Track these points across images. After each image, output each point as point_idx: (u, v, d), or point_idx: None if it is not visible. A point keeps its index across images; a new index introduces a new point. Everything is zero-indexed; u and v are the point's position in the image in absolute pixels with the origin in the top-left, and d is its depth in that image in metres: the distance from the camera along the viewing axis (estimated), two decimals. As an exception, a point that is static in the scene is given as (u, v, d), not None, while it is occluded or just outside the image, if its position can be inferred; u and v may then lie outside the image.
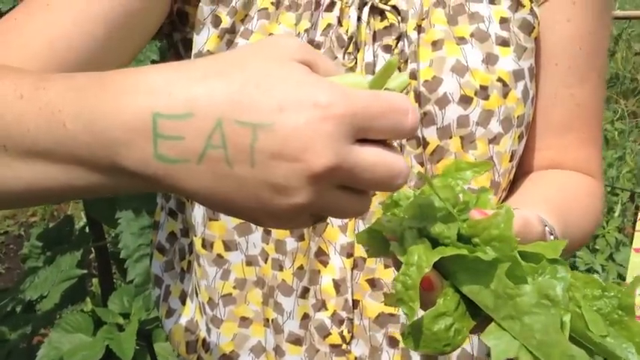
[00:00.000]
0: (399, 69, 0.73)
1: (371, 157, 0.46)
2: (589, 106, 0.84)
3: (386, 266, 0.78)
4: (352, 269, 0.77)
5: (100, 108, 0.46)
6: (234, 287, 0.81)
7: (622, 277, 2.27)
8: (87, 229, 1.87)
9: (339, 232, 0.76)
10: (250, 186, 0.45)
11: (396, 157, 0.47)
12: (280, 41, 0.48)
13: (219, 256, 0.80)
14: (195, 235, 0.81)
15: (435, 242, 0.52)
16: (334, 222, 0.76)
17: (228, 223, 0.78)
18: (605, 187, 2.66)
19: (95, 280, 2.18)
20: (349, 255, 0.77)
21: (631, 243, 2.11)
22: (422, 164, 0.75)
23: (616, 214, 2.57)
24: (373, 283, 0.78)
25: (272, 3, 0.75)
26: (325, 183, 0.45)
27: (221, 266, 0.80)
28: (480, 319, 0.53)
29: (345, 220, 0.76)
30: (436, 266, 0.51)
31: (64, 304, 1.85)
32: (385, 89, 0.49)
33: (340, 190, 0.47)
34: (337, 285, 0.78)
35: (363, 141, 0.46)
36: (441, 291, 0.52)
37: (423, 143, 0.74)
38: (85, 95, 0.47)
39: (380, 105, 0.46)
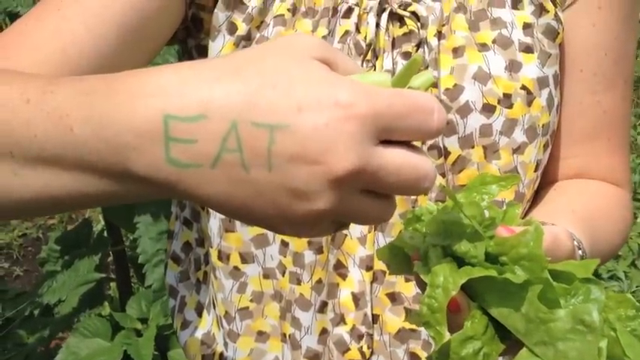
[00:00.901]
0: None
1: (396, 159, 0.44)
2: (616, 113, 0.82)
3: (407, 280, 0.76)
4: (372, 282, 0.76)
5: (109, 111, 0.44)
6: (251, 300, 0.79)
7: (645, 284, 2.24)
8: (105, 233, 1.87)
9: (358, 245, 0.75)
10: (268, 191, 0.43)
11: (422, 159, 0.45)
12: (298, 39, 0.46)
13: (236, 268, 0.78)
14: (212, 247, 0.80)
15: (460, 261, 0.50)
16: (353, 234, 0.75)
17: (244, 234, 0.77)
18: (628, 193, 2.62)
19: (113, 285, 2.18)
20: (369, 268, 0.75)
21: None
22: (443, 175, 0.73)
23: (638, 220, 2.53)
24: (393, 297, 0.76)
25: (288, 9, 0.73)
26: (348, 187, 0.43)
27: (238, 279, 0.79)
28: (509, 342, 0.50)
29: (365, 232, 0.74)
30: (463, 287, 0.49)
31: (82, 308, 1.86)
32: (409, 88, 0.47)
33: (363, 194, 0.45)
34: (356, 299, 0.76)
35: (386, 142, 0.44)
36: (469, 313, 0.50)
37: (445, 153, 0.72)
38: (94, 99, 0.45)
39: (404, 104, 0.44)
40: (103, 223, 1.97)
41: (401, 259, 0.56)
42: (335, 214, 0.44)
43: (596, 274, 2.39)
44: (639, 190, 2.72)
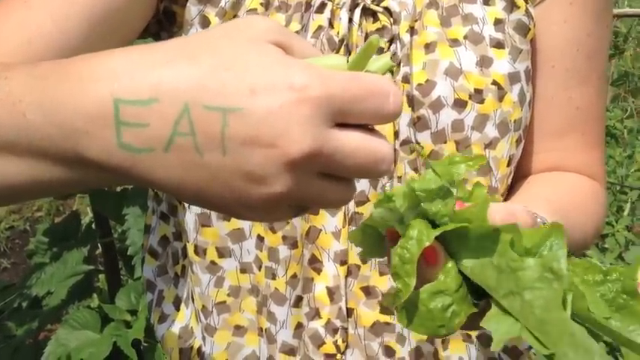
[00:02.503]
0: (392, 72, 0.73)
1: (353, 141, 0.44)
2: (589, 109, 0.82)
3: (381, 274, 0.77)
4: (346, 277, 0.77)
5: (61, 96, 0.44)
6: (229, 295, 0.80)
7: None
8: (93, 225, 1.87)
9: (332, 239, 0.76)
10: (223, 175, 0.43)
11: (379, 142, 0.45)
12: (252, 22, 0.45)
13: (213, 262, 0.79)
14: (188, 242, 0.80)
15: (434, 225, 0.50)
16: (327, 228, 0.76)
17: (220, 229, 0.77)
18: (614, 186, 2.63)
19: (102, 277, 2.18)
20: (343, 262, 0.76)
21: (641, 242, 2.09)
22: (416, 170, 0.74)
23: (625, 213, 2.54)
24: (368, 291, 0.77)
25: (261, 4, 0.74)
26: (304, 170, 0.43)
27: (215, 273, 0.79)
28: (480, 307, 0.51)
29: (339, 227, 0.75)
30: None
31: (70, 300, 1.86)
32: (366, 71, 0.47)
33: (320, 177, 0.45)
34: (331, 293, 0.77)
35: (343, 125, 0.44)
36: (443, 268, 0.50)
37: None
38: (47, 84, 0.45)
39: (359, 87, 0.44)
40: (91, 215, 1.97)
41: (374, 240, 0.56)
42: (292, 197, 0.44)
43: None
44: (626, 183, 2.73)
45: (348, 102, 0.43)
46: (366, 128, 0.45)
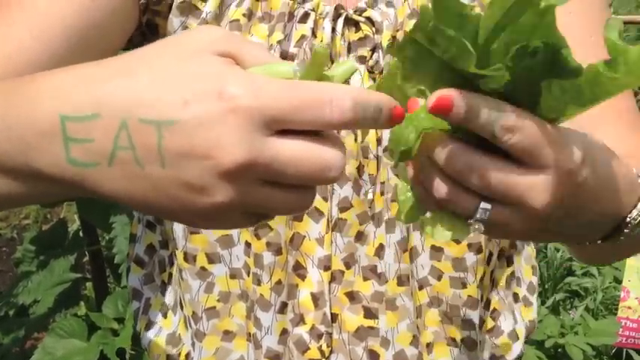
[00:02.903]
0: (374, 80, 0.73)
1: (293, 150, 0.43)
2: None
3: (365, 279, 0.77)
4: (330, 282, 0.77)
5: (16, 113, 0.46)
6: (218, 300, 0.80)
7: (618, 281, 2.26)
8: (80, 233, 1.87)
9: (316, 245, 0.76)
10: (166, 187, 0.44)
11: (325, 150, 0.44)
12: (196, 34, 0.45)
13: (203, 268, 0.79)
14: (177, 249, 0.80)
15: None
16: (311, 235, 0.76)
17: (209, 235, 0.78)
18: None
19: (89, 285, 2.18)
20: (327, 268, 0.76)
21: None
22: (398, 176, 0.74)
23: (612, 217, 2.56)
24: (352, 296, 0.78)
25: (244, 14, 0.74)
26: (243, 180, 0.43)
27: (205, 279, 0.80)
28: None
29: (322, 233, 0.76)
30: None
31: (57, 309, 1.86)
32: (332, 77, 0.47)
33: (269, 186, 0.45)
34: (315, 299, 0.77)
35: (289, 132, 0.44)
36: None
37: None
38: (6, 100, 0.47)
39: (292, 97, 0.43)
40: (79, 222, 1.97)
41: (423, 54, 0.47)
42: (241, 206, 0.45)
43: (570, 271, 2.42)
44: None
45: (280, 112, 0.43)
46: (316, 135, 0.45)
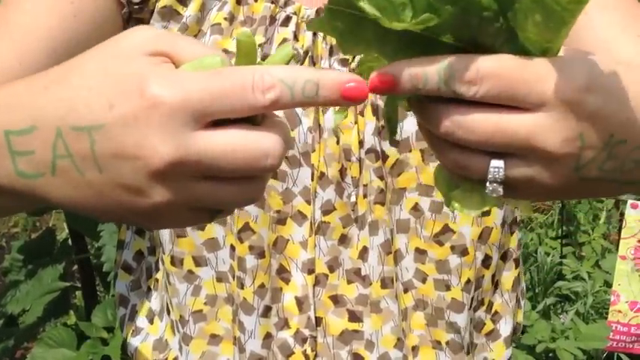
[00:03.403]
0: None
1: (224, 141, 0.42)
2: None
3: (349, 282, 0.77)
4: (314, 286, 0.77)
5: None
6: (205, 304, 0.80)
7: (609, 284, 2.26)
8: (69, 242, 1.86)
9: (300, 249, 0.76)
10: (107, 191, 0.44)
11: (260, 137, 0.43)
12: (126, 36, 0.45)
13: (190, 272, 0.79)
14: (164, 253, 0.80)
15: None
16: (295, 238, 0.76)
17: (195, 239, 0.78)
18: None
19: (79, 293, 2.17)
20: (310, 271, 0.76)
21: (617, 250, 2.11)
22: (382, 178, 0.74)
23: (601, 221, 2.57)
24: (336, 300, 0.77)
25: (225, 18, 0.74)
26: (176, 177, 0.43)
27: (192, 282, 0.79)
28: None
29: (306, 237, 0.75)
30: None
31: (47, 318, 1.85)
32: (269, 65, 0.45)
33: (209, 180, 0.44)
34: (300, 302, 0.77)
35: (223, 123, 0.43)
36: None
37: (382, 157, 0.74)
38: None
39: (215, 85, 0.42)
40: (67, 231, 1.97)
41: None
42: (184, 203, 0.44)
43: (561, 275, 2.43)
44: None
45: (205, 102, 0.41)
46: (249, 123, 0.43)
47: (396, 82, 0.43)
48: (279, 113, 0.57)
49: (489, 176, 0.44)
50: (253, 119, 0.44)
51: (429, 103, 0.44)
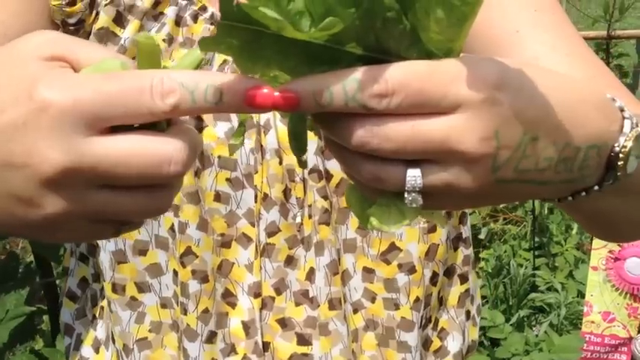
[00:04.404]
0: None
1: (121, 147, 0.40)
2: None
3: (297, 304, 0.76)
4: (261, 310, 0.75)
5: None
6: (150, 331, 0.78)
7: (582, 295, 2.26)
8: (33, 266, 1.84)
9: (245, 272, 0.74)
10: (2, 203, 0.41)
11: (160, 142, 0.40)
12: (24, 40, 0.43)
13: (133, 298, 0.77)
14: (105, 280, 0.78)
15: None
16: (240, 261, 0.74)
17: (137, 264, 0.76)
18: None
19: (47, 318, 2.14)
20: (257, 295, 0.75)
21: (589, 260, 2.11)
22: (325, 197, 0.73)
23: (574, 232, 2.57)
24: (284, 323, 0.76)
25: (164, 40, 0.72)
26: (70, 186, 0.40)
27: (135, 309, 0.77)
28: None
29: (252, 259, 0.74)
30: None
31: (13, 344, 1.82)
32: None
33: (108, 189, 0.41)
34: (247, 327, 0.75)
35: (122, 129, 0.40)
36: None
37: (326, 176, 0.73)
38: None
39: (107, 89, 0.39)
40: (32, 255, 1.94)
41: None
42: (81, 215, 0.42)
43: (534, 286, 2.42)
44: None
45: (97, 106, 0.39)
46: (149, 129, 0.41)
47: (299, 100, 0.40)
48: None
49: (407, 186, 0.42)
50: (159, 126, 0.41)
51: (339, 114, 0.41)
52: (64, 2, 0.71)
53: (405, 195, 0.42)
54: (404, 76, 0.40)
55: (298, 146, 0.48)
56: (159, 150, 0.40)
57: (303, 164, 0.50)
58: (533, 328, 2.20)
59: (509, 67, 0.43)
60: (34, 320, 1.90)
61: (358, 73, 0.39)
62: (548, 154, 0.44)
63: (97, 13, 0.73)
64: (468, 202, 0.46)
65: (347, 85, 0.39)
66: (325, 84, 0.39)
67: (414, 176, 0.42)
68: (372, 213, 0.44)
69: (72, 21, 0.72)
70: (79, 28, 0.73)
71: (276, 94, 0.40)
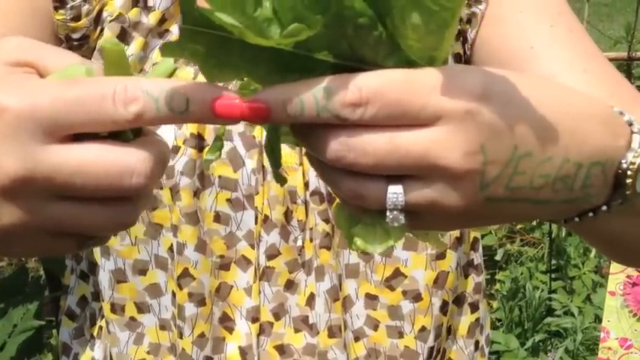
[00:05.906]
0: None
1: (80, 156, 0.38)
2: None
3: (296, 330, 0.73)
4: (258, 335, 0.73)
5: None
6: (148, 352, 0.76)
7: (599, 320, 2.22)
8: (42, 280, 1.83)
9: (244, 296, 0.72)
10: None
11: (123, 153, 0.38)
12: None
13: (132, 318, 0.75)
14: (103, 300, 0.77)
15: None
16: (239, 285, 0.72)
17: (137, 284, 0.74)
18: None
19: (55, 332, 2.13)
20: (255, 320, 0.72)
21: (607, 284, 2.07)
22: (327, 221, 0.71)
23: (592, 255, 2.53)
24: (282, 350, 0.73)
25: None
26: (28, 196, 0.38)
27: (134, 330, 0.76)
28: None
29: (250, 283, 0.72)
30: None
31: (21, 357, 1.81)
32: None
33: (68, 200, 0.39)
34: (244, 353, 0.73)
35: (84, 138, 0.38)
36: None
37: (328, 199, 0.70)
38: None
39: (72, 94, 0.37)
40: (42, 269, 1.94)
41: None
42: (39, 227, 0.40)
43: (550, 310, 2.38)
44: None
45: (56, 113, 0.37)
46: (113, 139, 0.39)
47: (269, 110, 0.37)
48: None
49: (388, 203, 0.39)
50: (123, 136, 0.39)
51: (314, 126, 0.39)
52: (68, 17, 0.70)
53: (387, 213, 0.39)
54: (379, 84, 0.37)
55: (273, 160, 0.45)
56: (119, 160, 0.38)
57: (281, 180, 0.47)
58: (549, 354, 2.15)
59: (496, 78, 0.40)
60: (43, 334, 1.89)
61: (330, 81, 0.37)
62: (544, 170, 0.41)
63: (102, 29, 0.72)
64: (457, 222, 0.43)
65: (317, 93, 0.37)
66: (295, 92, 0.37)
67: (395, 193, 0.39)
68: (356, 233, 0.42)
69: (76, 36, 0.71)
70: (82, 44, 0.72)
71: (243, 103, 0.37)
